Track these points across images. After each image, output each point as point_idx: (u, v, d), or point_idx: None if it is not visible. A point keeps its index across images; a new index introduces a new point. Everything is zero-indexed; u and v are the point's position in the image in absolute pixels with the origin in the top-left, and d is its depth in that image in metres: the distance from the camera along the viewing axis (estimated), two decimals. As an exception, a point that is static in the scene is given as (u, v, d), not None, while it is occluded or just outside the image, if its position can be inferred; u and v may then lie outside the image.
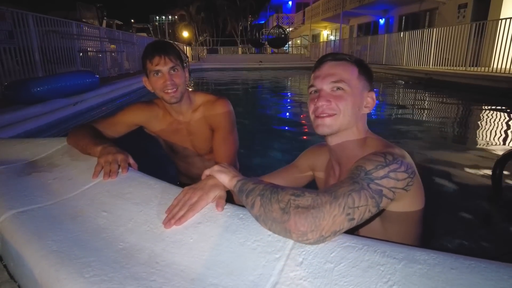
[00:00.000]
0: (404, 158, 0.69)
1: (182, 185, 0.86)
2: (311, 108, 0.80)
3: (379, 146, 0.77)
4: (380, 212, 0.69)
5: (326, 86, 0.78)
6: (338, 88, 0.77)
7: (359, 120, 0.81)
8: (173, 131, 1.31)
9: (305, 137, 3.71)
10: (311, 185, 1.01)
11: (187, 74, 1.21)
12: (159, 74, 1.13)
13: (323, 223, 0.55)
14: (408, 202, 0.71)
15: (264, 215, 0.61)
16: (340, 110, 0.77)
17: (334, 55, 0.82)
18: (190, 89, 1.29)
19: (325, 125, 0.78)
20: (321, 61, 0.82)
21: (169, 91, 1.14)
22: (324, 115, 0.77)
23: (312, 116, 0.80)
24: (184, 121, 1.29)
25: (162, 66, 1.12)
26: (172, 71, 1.14)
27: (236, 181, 0.72)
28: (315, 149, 1.03)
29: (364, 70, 0.81)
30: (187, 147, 1.36)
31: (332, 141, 0.82)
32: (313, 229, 0.54)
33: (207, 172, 0.79)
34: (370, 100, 0.81)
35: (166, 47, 1.14)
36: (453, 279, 0.48)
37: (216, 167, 0.78)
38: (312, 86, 0.81)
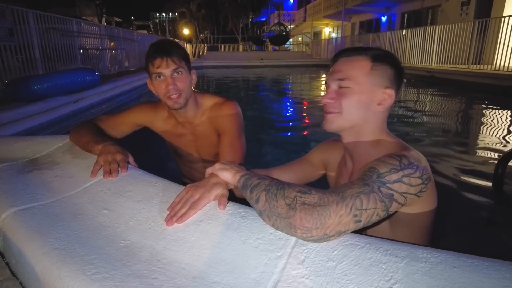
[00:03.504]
0: (420, 163, 0.66)
1: (184, 185, 0.86)
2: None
3: (395, 148, 0.74)
4: (390, 215, 0.68)
5: (332, 82, 0.78)
6: (343, 86, 0.76)
7: (370, 118, 0.77)
8: (177, 135, 1.25)
9: (306, 133, 3.70)
10: (322, 183, 0.98)
11: (193, 77, 1.14)
12: (161, 77, 1.06)
13: (328, 221, 0.54)
14: (419, 206, 0.70)
15: (269, 210, 0.60)
16: (343, 109, 0.75)
17: (349, 50, 0.79)
18: (197, 91, 1.21)
19: (327, 122, 0.78)
20: (336, 56, 0.81)
21: (173, 96, 1.06)
22: (329, 112, 0.77)
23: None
24: (189, 125, 1.22)
25: (164, 68, 1.04)
26: (175, 74, 1.06)
27: (240, 177, 0.71)
28: (330, 144, 0.99)
29: (381, 64, 0.75)
30: (191, 152, 1.29)
31: (344, 138, 0.81)
32: (318, 226, 0.54)
33: (209, 170, 0.79)
34: (386, 96, 0.75)
35: (169, 47, 1.06)
36: (456, 277, 0.48)
37: (217, 165, 0.77)
38: (325, 81, 0.82)
